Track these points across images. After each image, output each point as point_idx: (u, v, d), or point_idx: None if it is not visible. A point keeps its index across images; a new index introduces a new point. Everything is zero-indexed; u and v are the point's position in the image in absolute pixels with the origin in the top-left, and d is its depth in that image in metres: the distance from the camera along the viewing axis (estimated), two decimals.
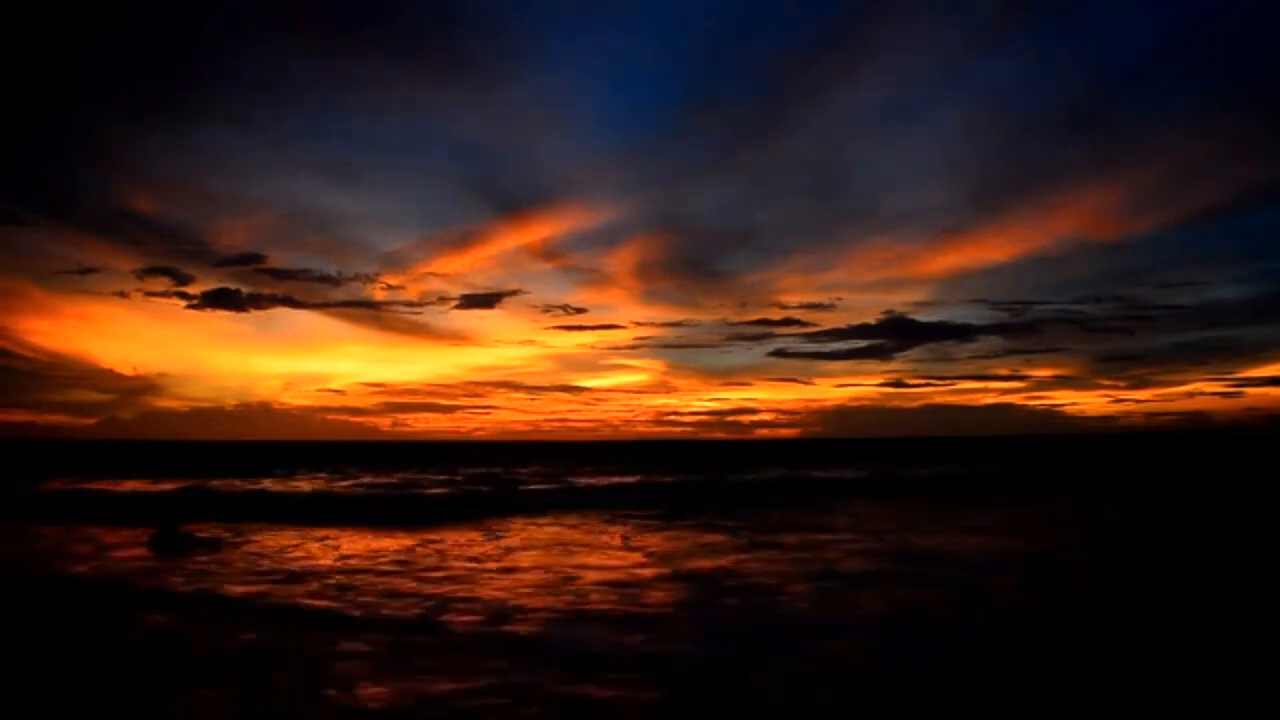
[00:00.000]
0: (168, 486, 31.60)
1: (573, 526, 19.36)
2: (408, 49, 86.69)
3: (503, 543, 16.41)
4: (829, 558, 13.93)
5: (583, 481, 37.44)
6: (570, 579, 11.99)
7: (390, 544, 16.15)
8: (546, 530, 18.65)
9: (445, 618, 9.42)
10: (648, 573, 12.50)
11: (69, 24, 72.46)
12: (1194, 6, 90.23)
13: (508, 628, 9.01)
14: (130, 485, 33.03)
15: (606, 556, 14.31)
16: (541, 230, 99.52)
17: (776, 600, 10.46)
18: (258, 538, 16.96)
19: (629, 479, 37.78)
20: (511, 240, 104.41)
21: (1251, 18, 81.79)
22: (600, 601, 10.36)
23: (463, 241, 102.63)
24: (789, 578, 11.87)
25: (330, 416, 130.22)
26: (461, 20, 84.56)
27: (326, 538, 17.12)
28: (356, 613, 9.74)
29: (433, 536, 17.38)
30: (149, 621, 9.54)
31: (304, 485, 34.55)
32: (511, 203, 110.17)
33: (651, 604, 10.23)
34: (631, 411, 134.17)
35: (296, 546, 15.70)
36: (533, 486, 33.68)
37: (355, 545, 16.05)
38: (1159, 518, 21.27)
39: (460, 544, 16.15)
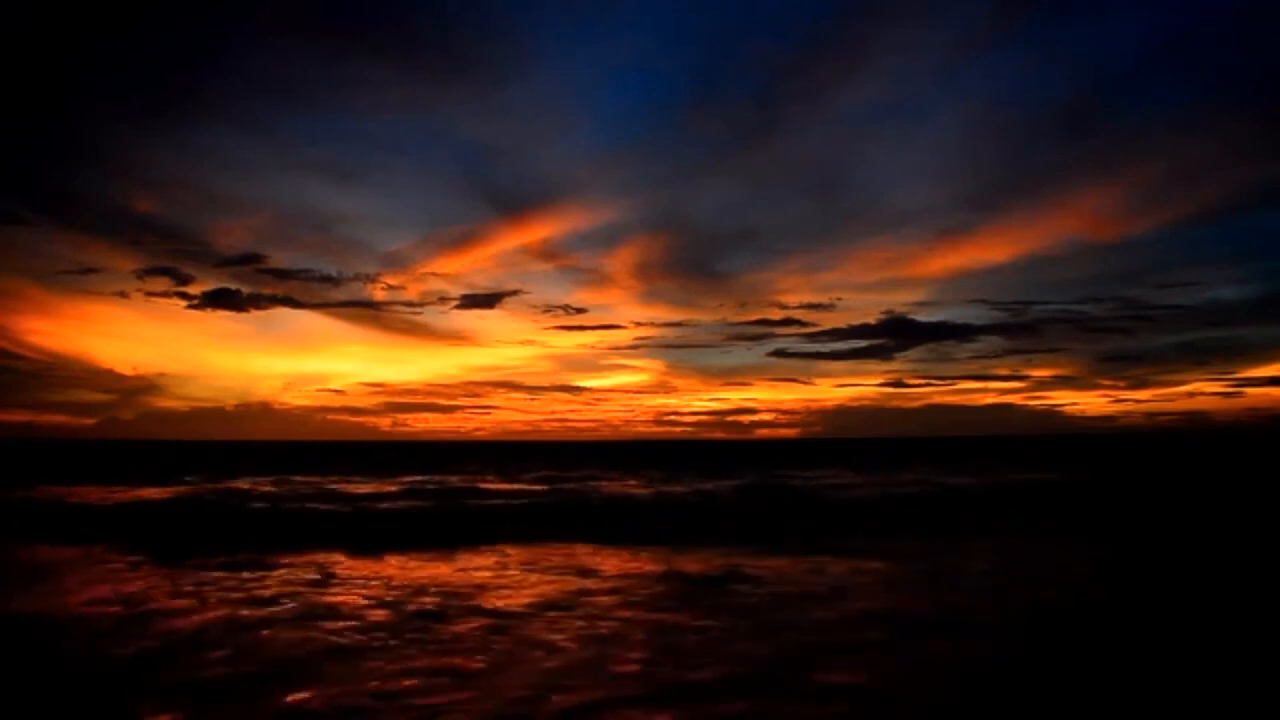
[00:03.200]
0: (165, 493, 30.01)
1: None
2: (408, 50, 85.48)
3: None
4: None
5: (605, 488, 34.77)
6: None
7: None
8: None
9: None
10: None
11: (69, 24, 70.87)
12: (1191, 7, 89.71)
13: None
14: (125, 492, 31.48)
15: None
16: (541, 230, 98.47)
17: None
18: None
19: (644, 489, 34.45)
20: (511, 240, 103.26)
21: (1249, 18, 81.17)
22: None
23: (463, 241, 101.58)
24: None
25: (330, 416, 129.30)
26: (462, 21, 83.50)
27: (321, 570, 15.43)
28: None
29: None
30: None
31: (266, 488, 32.49)
32: (511, 203, 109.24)
33: None
34: (631, 411, 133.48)
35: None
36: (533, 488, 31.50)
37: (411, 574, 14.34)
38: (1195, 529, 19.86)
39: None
